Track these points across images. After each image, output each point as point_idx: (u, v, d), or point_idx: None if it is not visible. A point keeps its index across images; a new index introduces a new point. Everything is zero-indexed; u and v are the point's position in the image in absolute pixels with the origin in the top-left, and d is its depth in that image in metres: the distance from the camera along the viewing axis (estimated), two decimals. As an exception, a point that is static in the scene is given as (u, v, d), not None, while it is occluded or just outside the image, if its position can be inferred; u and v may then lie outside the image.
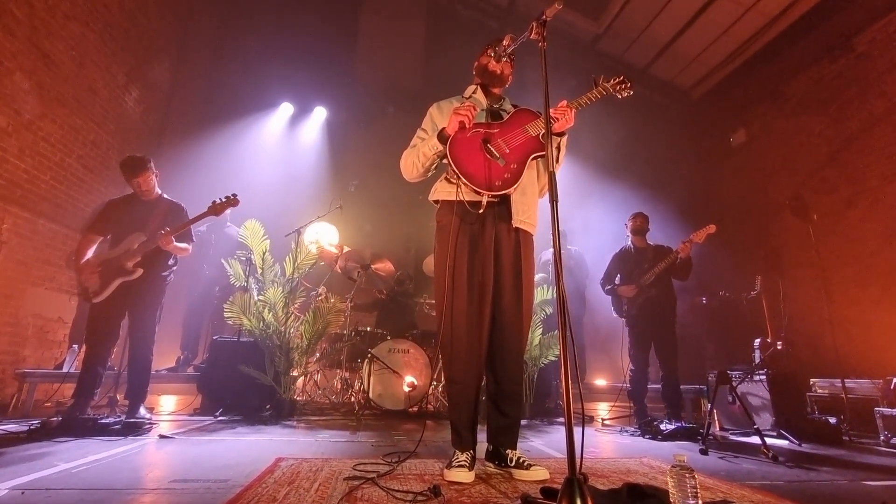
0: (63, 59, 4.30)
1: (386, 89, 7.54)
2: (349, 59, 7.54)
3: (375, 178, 6.59)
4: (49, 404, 3.81)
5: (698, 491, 1.28)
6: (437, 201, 2.22)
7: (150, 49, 5.69)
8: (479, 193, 2.03)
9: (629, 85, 2.15)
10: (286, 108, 7.16)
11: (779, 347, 4.16)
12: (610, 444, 3.03)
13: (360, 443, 2.67)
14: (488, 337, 2.04)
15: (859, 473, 2.28)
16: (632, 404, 3.94)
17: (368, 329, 4.44)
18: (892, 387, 3.68)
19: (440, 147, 2.10)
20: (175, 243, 3.26)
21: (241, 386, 3.67)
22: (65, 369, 4.02)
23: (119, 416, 2.98)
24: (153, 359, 3.38)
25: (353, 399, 4.22)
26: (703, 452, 2.68)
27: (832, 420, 3.44)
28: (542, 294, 4.35)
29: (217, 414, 3.55)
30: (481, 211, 2.04)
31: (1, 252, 3.81)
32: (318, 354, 4.32)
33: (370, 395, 3.90)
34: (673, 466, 1.32)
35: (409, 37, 7.64)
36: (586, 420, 4.06)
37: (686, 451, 2.71)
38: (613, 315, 4.21)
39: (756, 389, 3.82)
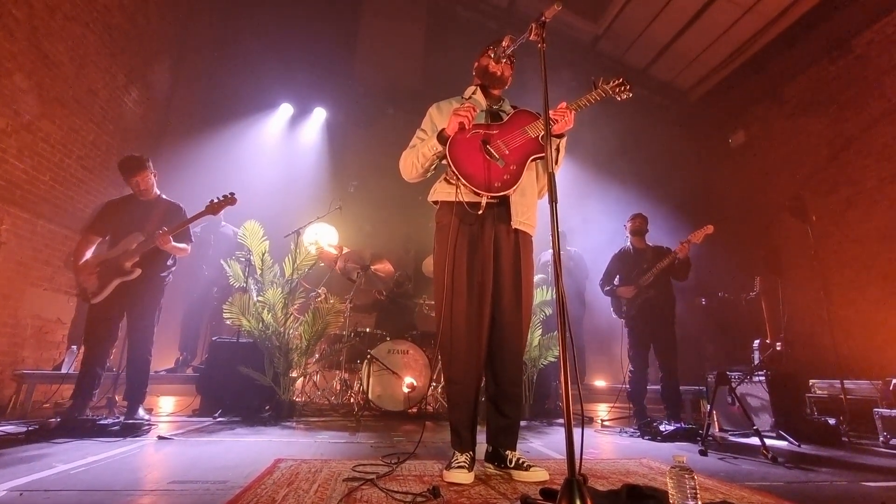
0: (63, 59, 4.30)
1: (385, 90, 7.54)
2: (349, 60, 7.55)
3: (375, 178, 6.59)
4: (48, 405, 3.80)
5: (698, 492, 1.27)
6: (436, 202, 2.22)
7: (150, 50, 5.69)
8: (478, 194, 2.03)
9: (628, 87, 2.14)
10: (286, 109, 7.16)
11: (778, 348, 4.17)
12: (609, 445, 3.03)
13: (359, 444, 2.67)
14: (488, 338, 2.04)
15: (858, 474, 2.28)
16: (631, 405, 3.94)
17: (368, 330, 4.43)
18: (891, 388, 3.68)
19: (439, 148, 2.10)
20: (173, 243, 3.26)
21: (240, 387, 3.66)
22: (63, 370, 4.02)
23: (118, 418, 2.97)
24: (152, 360, 3.37)
25: (352, 400, 4.22)
26: (703, 453, 2.68)
27: (831, 421, 3.44)
28: (542, 295, 4.35)
29: (216, 415, 3.54)
30: (480, 212, 2.04)
31: (0, 253, 3.81)
32: (317, 355, 4.32)
33: (369, 396, 3.89)
34: (672, 467, 1.32)
35: (408, 38, 7.64)
36: (586, 421, 4.06)
37: (685, 451, 2.71)
38: (613, 316, 4.21)
39: (755, 390, 3.83)
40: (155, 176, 3.43)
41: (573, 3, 6.42)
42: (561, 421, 3.99)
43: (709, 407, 3.33)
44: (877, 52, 5.23)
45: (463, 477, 1.78)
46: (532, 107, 2.26)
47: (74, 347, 4.21)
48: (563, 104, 2.11)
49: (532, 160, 2.11)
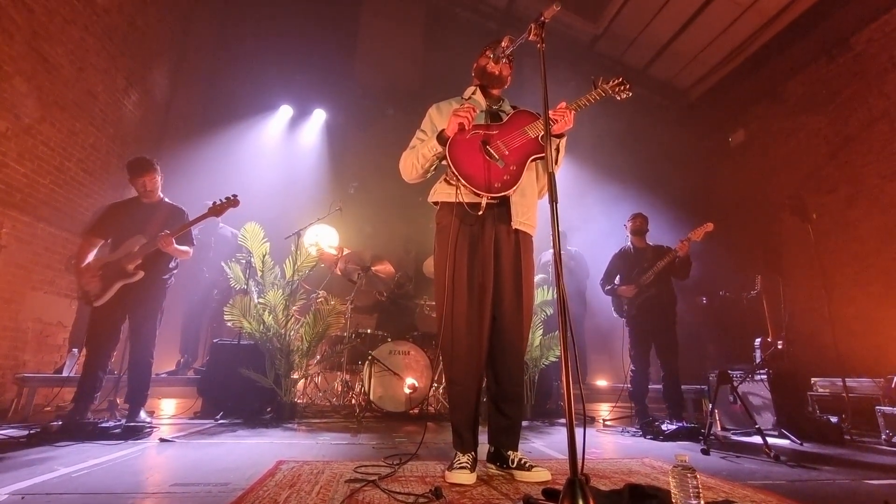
0: (62, 62, 4.30)
1: (385, 91, 7.55)
2: (348, 62, 7.56)
3: (375, 180, 6.59)
4: (49, 408, 3.81)
5: (700, 491, 1.27)
6: (436, 203, 2.22)
7: (150, 53, 5.70)
8: (478, 195, 2.03)
9: (628, 86, 2.14)
10: (285, 111, 7.17)
11: (779, 347, 4.16)
12: (611, 445, 3.03)
13: (361, 445, 2.67)
14: (489, 338, 2.04)
15: (861, 472, 2.27)
16: (633, 405, 3.93)
17: (369, 331, 4.43)
18: (893, 385, 3.68)
19: (439, 149, 2.10)
20: (175, 245, 3.26)
21: (241, 389, 3.66)
22: (64, 373, 4.02)
23: (119, 420, 2.97)
24: (154, 362, 3.37)
25: (353, 401, 4.22)
26: (705, 452, 2.68)
27: (833, 419, 3.43)
28: (543, 295, 4.35)
29: (217, 417, 3.54)
30: (480, 213, 2.04)
31: (0, 256, 3.81)
32: (318, 357, 4.32)
33: (371, 397, 3.89)
34: (675, 466, 1.32)
35: (407, 39, 7.65)
36: (587, 421, 4.06)
37: (688, 451, 2.70)
38: (614, 315, 4.21)
39: (757, 389, 3.82)
40: (161, 178, 3.44)
41: (572, 3, 6.43)
42: (562, 421, 3.99)
43: (711, 406, 3.32)
44: (876, 50, 5.22)
45: (465, 477, 1.78)
46: (532, 107, 2.26)
47: (75, 350, 4.21)
48: (563, 104, 2.11)
49: (532, 160, 2.11)
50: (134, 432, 2.73)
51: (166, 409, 4.33)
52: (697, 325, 5.80)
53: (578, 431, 1.27)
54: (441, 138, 2.09)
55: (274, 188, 6.23)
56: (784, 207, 5.53)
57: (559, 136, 2.17)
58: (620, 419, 4.13)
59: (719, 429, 3.81)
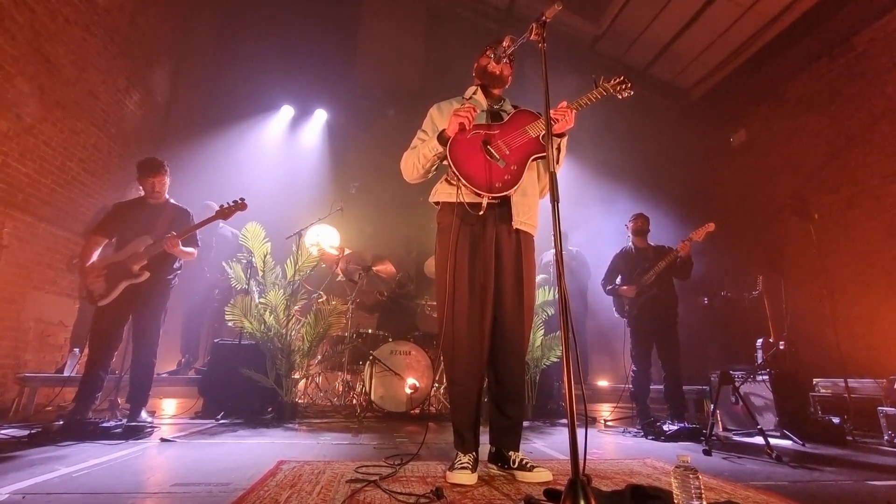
0: (64, 63, 4.31)
1: (386, 91, 7.55)
2: (349, 62, 7.56)
3: (376, 180, 6.59)
4: (50, 408, 3.81)
5: (702, 492, 1.27)
6: (437, 203, 2.22)
7: (151, 53, 5.70)
8: (479, 195, 2.02)
9: (629, 85, 2.14)
10: (287, 111, 7.18)
11: (781, 347, 4.16)
12: (613, 445, 3.02)
13: (362, 445, 2.66)
14: (490, 338, 2.04)
15: (863, 473, 2.27)
16: (634, 405, 3.93)
17: (370, 331, 4.43)
18: (895, 386, 3.66)
19: (440, 149, 2.09)
20: (181, 247, 3.26)
21: (242, 389, 3.66)
22: (66, 373, 4.02)
23: (120, 420, 2.97)
24: (156, 362, 3.37)
25: (354, 401, 4.22)
26: (707, 453, 2.67)
27: (835, 420, 3.43)
28: (544, 295, 4.35)
29: (218, 417, 3.54)
30: (482, 213, 2.03)
31: (2, 256, 3.82)
32: (319, 357, 4.31)
33: (372, 397, 3.89)
34: (676, 467, 1.31)
35: (408, 39, 7.65)
36: (589, 421, 4.05)
37: (689, 451, 2.71)
38: (615, 315, 4.20)
39: (759, 389, 3.81)
40: (169, 180, 3.45)
41: (573, 3, 6.42)
42: (564, 421, 3.98)
43: (712, 406, 3.32)
44: (878, 50, 5.21)
45: (466, 478, 1.77)
46: (533, 106, 2.25)
47: (77, 350, 4.21)
48: (564, 103, 2.11)
49: (533, 160, 2.11)
50: (135, 432, 2.73)
51: (167, 408, 4.33)
52: (699, 326, 5.79)
53: (580, 432, 1.27)
54: (442, 138, 2.09)
55: (275, 188, 6.24)
56: (786, 207, 5.52)
57: (560, 136, 2.17)
58: (622, 419, 4.12)
59: (721, 429, 3.80)
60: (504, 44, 2.15)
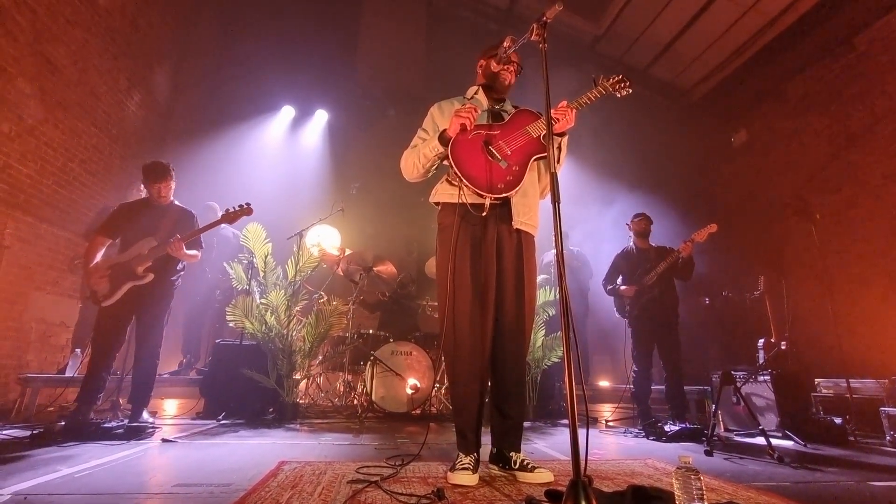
0: (65, 63, 4.32)
1: (386, 92, 7.55)
2: (350, 62, 7.57)
3: (377, 180, 6.59)
4: (52, 409, 3.81)
5: (704, 492, 1.27)
6: (437, 203, 2.22)
7: (152, 53, 5.71)
8: (481, 196, 2.02)
9: (628, 83, 2.15)
10: (287, 112, 7.18)
11: (783, 347, 4.15)
12: (614, 446, 3.02)
13: (363, 446, 2.66)
14: (491, 339, 2.04)
15: (865, 474, 2.26)
16: (635, 405, 3.92)
17: (371, 332, 4.43)
18: (897, 386, 3.66)
19: (441, 149, 2.09)
20: (185, 250, 3.27)
21: (243, 389, 3.67)
22: (67, 374, 4.03)
23: (122, 421, 2.98)
24: (159, 363, 3.38)
25: (355, 402, 4.22)
26: (708, 454, 2.67)
27: (837, 420, 3.42)
28: (545, 295, 4.34)
29: (220, 417, 3.54)
30: (484, 213, 2.03)
31: (4, 257, 3.83)
32: (320, 357, 4.32)
33: (373, 397, 3.89)
34: (678, 468, 1.31)
35: (409, 39, 7.66)
36: (590, 422, 4.04)
37: (691, 452, 2.71)
38: (616, 316, 4.20)
39: (760, 390, 3.81)
40: (175, 184, 3.45)
41: (574, 3, 6.42)
42: (565, 422, 3.98)
43: (714, 407, 3.31)
44: (879, 50, 5.21)
45: (467, 479, 1.77)
46: (533, 106, 2.25)
47: (78, 351, 4.22)
48: (564, 102, 2.11)
49: (534, 160, 2.11)
50: (136, 433, 2.74)
51: (169, 409, 4.34)
52: (700, 326, 5.78)
53: (581, 432, 1.27)
54: (443, 138, 2.09)
55: (276, 189, 6.24)
56: (787, 208, 5.51)
57: (561, 135, 2.17)
58: (623, 420, 4.11)
59: (722, 430, 3.80)
60: (505, 44, 2.15)
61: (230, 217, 3.39)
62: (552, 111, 2.02)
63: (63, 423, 2.75)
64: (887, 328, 4.69)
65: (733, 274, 5.93)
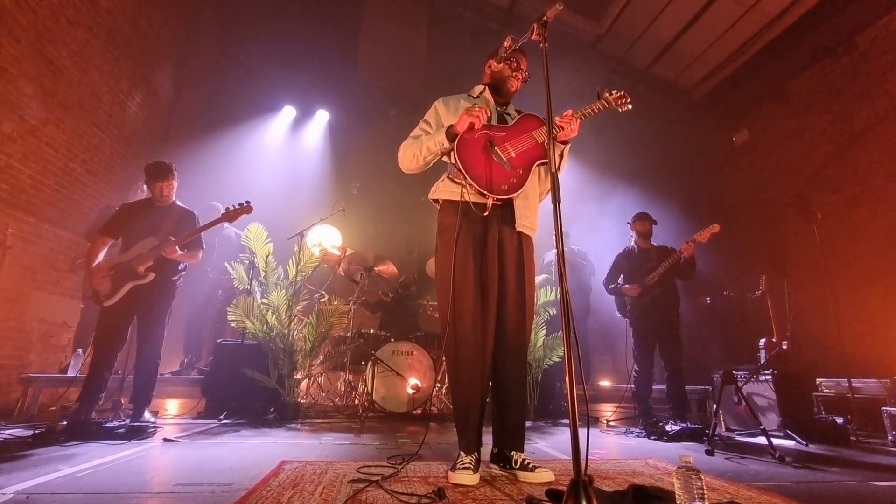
0: (67, 64, 4.32)
1: (387, 92, 7.56)
2: (351, 62, 7.57)
3: (378, 180, 6.59)
4: (54, 408, 3.82)
5: (705, 492, 1.27)
6: (436, 201, 2.22)
7: (153, 54, 5.72)
8: (484, 195, 2.02)
9: (629, 100, 2.25)
10: (288, 112, 7.19)
11: (784, 347, 4.14)
12: (615, 446, 3.02)
13: (363, 445, 2.67)
14: (493, 338, 2.04)
15: (867, 473, 2.26)
16: (636, 405, 3.92)
17: (372, 331, 4.43)
18: (899, 386, 3.65)
19: (447, 144, 2.08)
20: (180, 251, 3.27)
21: (244, 389, 3.67)
22: (69, 373, 4.03)
23: (124, 420, 2.98)
24: (160, 363, 3.38)
25: (356, 401, 4.22)
26: (709, 453, 2.67)
27: (839, 420, 3.41)
28: (546, 295, 4.34)
29: (221, 417, 3.55)
30: (486, 213, 2.03)
31: (6, 257, 3.83)
32: (321, 357, 4.32)
33: (374, 397, 3.89)
34: (679, 467, 1.31)
35: (410, 39, 7.66)
36: (591, 421, 4.04)
37: (692, 451, 2.71)
38: (617, 315, 4.20)
39: (762, 390, 3.80)
40: (177, 183, 3.46)
41: (575, 3, 6.42)
42: (566, 421, 3.98)
43: (715, 406, 3.31)
44: (881, 49, 5.19)
45: (468, 478, 1.77)
46: (535, 106, 2.26)
47: (80, 350, 4.23)
48: (570, 112, 2.14)
49: (537, 165, 2.14)
50: (138, 432, 2.74)
51: (170, 409, 4.34)
52: (701, 326, 5.77)
53: (582, 432, 1.27)
54: (450, 134, 2.07)
55: (277, 189, 6.25)
56: (788, 207, 5.50)
57: (564, 143, 2.20)
58: (624, 420, 4.11)
59: (723, 429, 3.79)
60: (505, 43, 2.15)
61: (230, 215, 3.39)
62: (557, 119, 2.10)
63: (65, 423, 2.76)
64: (889, 327, 4.68)
65: (735, 273, 5.92)
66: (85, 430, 2.70)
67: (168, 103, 6.21)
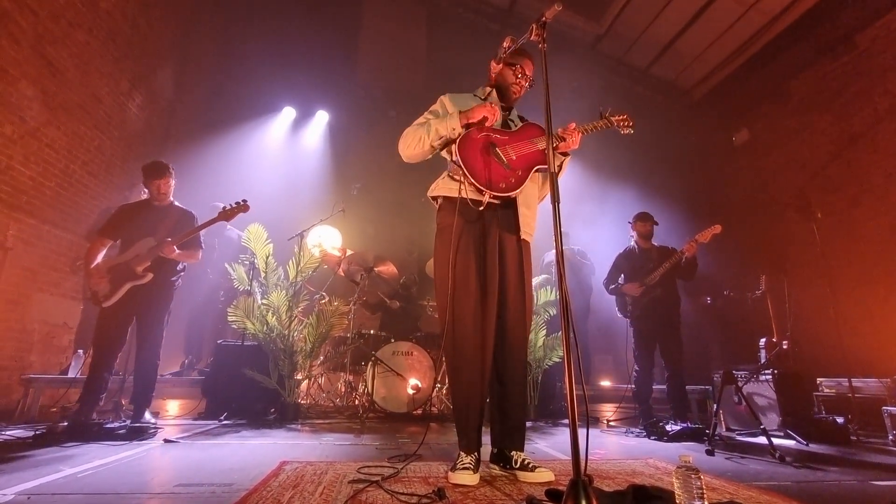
0: (67, 66, 4.33)
1: (387, 92, 7.56)
2: (351, 63, 7.58)
3: (378, 181, 6.60)
4: (55, 409, 3.82)
5: (704, 492, 1.27)
6: (436, 199, 2.22)
7: (153, 55, 5.72)
8: (482, 192, 2.03)
9: (631, 123, 2.33)
10: (288, 113, 7.20)
11: (784, 347, 4.13)
12: (615, 446, 3.02)
13: (364, 446, 2.67)
14: (493, 338, 2.04)
15: (867, 473, 2.26)
16: (637, 405, 3.92)
17: (372, 332, 4.43)
18: (899, 386, 3.65)
19: (459, 130, 2.07)
20: (178, 251, 3.27)
21: (245, 389, 3.68)
22: (70, 374, 4.04)
23: (124, 421, 2.99)
24: (160, 363, 3.39)
25: (356, 402, 4.22)
26: (710, 453, 2.67)
27: (839, 420, 3.41)
28: (546, 295, 4.34)
29: (221, 418, 3.55)
30: (482, 208, 2.04)
31: (6, 259, 3.84)
32: (321, 358, 4.32)
33: (374, 397, 3.90)
34: (678, 467, 1.31)
35: (410, 40, 7.66)
36: (591, 421, 4.04)
37: (692, 451, 2.71)
38: (618, 315, 4.20)
39: (762, 389, 3.80)
40: (175, 183, 3.46)
41: (574, 3, 6.41)
42: (566, 421, 3.98)
43: (715, 406, 3.31)
44: (881, 48, 5.19)
45: (468, 478, 1.78)
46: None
47: (81, 351, 4.23)
48: (573, 125, 2.17)
49: (536, 170, 2.15)
50: (138, 433, 2.75)
51: (170, 409, 4.35)
52: (702, 326, 5.77)
53: (582, 432, 1.27)
54: (461, 120, 2.08)
55: (277, 190, 6.26)
56: (789, 207, 5.50)
57: (564, 155, 2.23)
58: (624, 420, 4.11)
59: (724, 429, 3.79)
60: (505, 44, 2.15)
61: (227, 214, 3.40)
62: (560, 130, 2.15)
63: (66, 424, 2.76)
64: (889, 327, 4.68)
65: (735, 273, 5.91)
66: (85, 430, 2.70)
67: (168, 104, 6.21)
